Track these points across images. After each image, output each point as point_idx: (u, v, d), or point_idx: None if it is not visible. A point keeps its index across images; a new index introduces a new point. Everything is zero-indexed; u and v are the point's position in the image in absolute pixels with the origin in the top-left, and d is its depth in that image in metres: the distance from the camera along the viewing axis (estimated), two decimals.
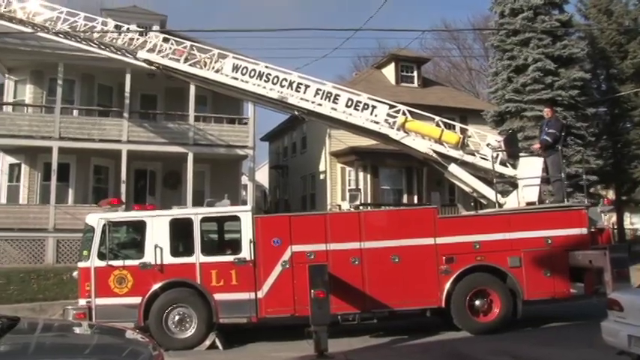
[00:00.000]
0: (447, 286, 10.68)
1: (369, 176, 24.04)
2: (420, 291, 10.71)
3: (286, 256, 10.71)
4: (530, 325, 10.98)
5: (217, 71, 14.49)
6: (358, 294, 10.61)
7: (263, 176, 36.38)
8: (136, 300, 10.55)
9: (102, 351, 4.82)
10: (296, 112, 14.46)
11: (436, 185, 22.67)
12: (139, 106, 22.76)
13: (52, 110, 20.34)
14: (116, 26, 16.46)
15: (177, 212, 11.59)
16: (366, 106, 13.54)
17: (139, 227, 11.04)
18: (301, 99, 13.80)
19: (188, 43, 15.14)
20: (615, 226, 25.40)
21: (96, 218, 10.94)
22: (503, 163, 12.84)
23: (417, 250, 10.81)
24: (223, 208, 11.73)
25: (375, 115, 13.49)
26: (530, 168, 12.22)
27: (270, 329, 11.43)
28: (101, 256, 10.69)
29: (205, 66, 14.74)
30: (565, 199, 12.09)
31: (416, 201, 23.91)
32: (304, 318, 9.65)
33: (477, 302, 10.68)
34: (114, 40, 15.78)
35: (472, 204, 19.35)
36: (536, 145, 12.77)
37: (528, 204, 11.80)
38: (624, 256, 9.96)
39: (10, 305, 13.55)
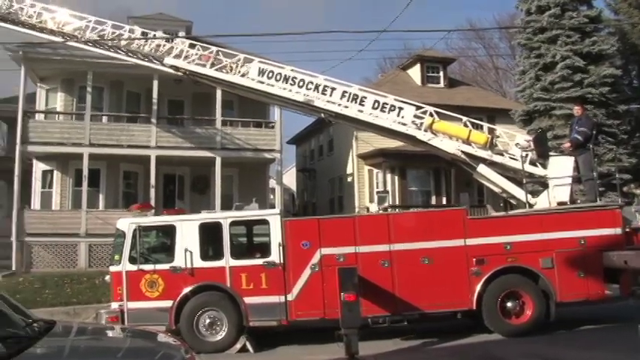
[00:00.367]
0: (478, 287, 10.53)
1: (396, 178, 23.86)
2: (450, 293, 10.58)
3: (315, 259, 10.68)
4: (564, 327, 10.74)
5: (243, 75, 14.59)
6: (388, 296, 10.53)
7: (290, 179, 36.47)
8: (167, 303, 10.62)
9: (134, 354, 4.87)
10: (322, 115, 14.48)
11: (465, 186, 22.41)
12: (167, 111, 23.09)
13: (82, 117, 20.75)
14: (143, 33, 16.71)
15: (206, 216, 11.62)
16: (392, 108, 13.47)
17: (169, 232, 11.13)
18: (327, 102, 13.80)
19: (214, 49, 15.30)
20: None
21: (127, 223, 11.06)
22: (532, 163, 12.60)
23: (447, 251, 10.68)
24: (252, 212, 11.75)
25: (402, 117, 13.40)
26: (560, 167, 12.01)
27: (300, 332, 11.42)
28: (132, 260, 10.80)
29: (231, 70, 14.87)
30: (598, 199, 11.85)
31: (444, 202, 23.73)
32: (334, 321, 9.65)
33: (509, 304, 10.51)
34: (141, 47, 16.01)
35: (501, 204, 19.11)
36: (567, 144, 12.53)
37: (560, 204, 11.59)
38: None
39: (45, 309, 13.76)
